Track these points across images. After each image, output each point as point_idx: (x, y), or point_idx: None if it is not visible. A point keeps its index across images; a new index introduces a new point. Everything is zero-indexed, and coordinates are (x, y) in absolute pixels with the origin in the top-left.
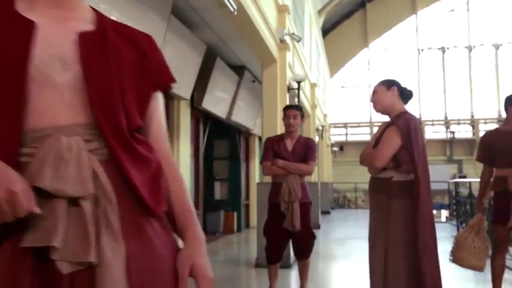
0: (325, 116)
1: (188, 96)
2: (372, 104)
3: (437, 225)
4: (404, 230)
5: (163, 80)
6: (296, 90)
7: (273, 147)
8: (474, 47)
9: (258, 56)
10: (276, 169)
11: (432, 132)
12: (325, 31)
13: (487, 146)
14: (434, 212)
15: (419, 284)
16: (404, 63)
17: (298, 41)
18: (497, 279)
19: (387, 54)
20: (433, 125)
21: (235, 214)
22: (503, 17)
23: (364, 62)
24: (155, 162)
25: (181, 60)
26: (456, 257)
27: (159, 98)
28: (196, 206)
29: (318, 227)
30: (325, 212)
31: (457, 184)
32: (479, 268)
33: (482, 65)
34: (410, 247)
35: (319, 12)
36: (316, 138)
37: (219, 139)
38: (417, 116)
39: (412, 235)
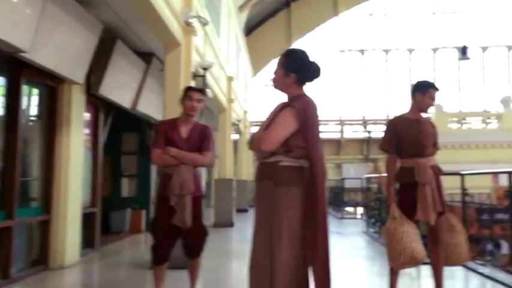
0: (245, 112)
1: (81, 80)
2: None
3: (351, 222)
4: (289, 221)
5: None
6: (203, 78)
7: (165, 133)
8: (390, 50)
9: (160, 39)
10: (167, 158)
11: (351, 132)
12: (250, 29)
13: (393, 134)
14: (351, 209)
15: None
16: (326, 63)
17: (205, 25)
18: (394, 275)
19: (310, 54)
20: (351, 124)
21: (144, 212)
22: (416, 23)
23: None
24: None
25: (69, 38)
26: (393, 256)
27: None
28: (94, 204)
29: (232, 225)
30: (243, 210)
31: (369, 180)
32: (417, 255)
33: (397, 68)
34: (296, 241)
35: (241, 7)
36: (236, 135)
37: (128, 132)
38: (337, 116)
39: (298, 228)
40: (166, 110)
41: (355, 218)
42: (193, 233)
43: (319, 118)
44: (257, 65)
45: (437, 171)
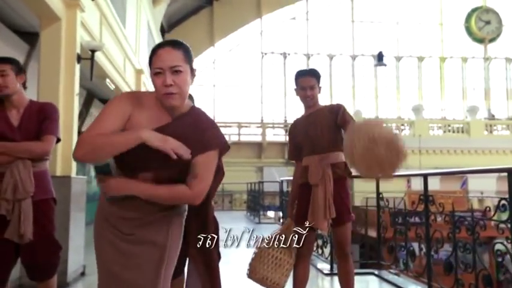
0: None
1: None
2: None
3: (268, 227)
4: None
5: None
6: (91, 61)
7: None
8: (312, 55)
9: (33, 10)
10: None
11: (272, 135)
12: (171, 26)
13: (291, 140)
14: (272, 213)
15: None
16: (248, 65)
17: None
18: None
19: (232, 55)
20: (273, 127)
21: None
22: (336, 30)
23: (210, 60)
24: None
25: None
26: (250, 269)
27: None
28: None
29: None
30: None
31: (288, 184)
32: (274, 285)
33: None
34: None
35: (155, 1)
36: None
37: None
38: (259, 119)
39: None
40: (41, 98)
41: (273, 223)
42: (38, 248)
43: None
44: None
45: (341, 172)
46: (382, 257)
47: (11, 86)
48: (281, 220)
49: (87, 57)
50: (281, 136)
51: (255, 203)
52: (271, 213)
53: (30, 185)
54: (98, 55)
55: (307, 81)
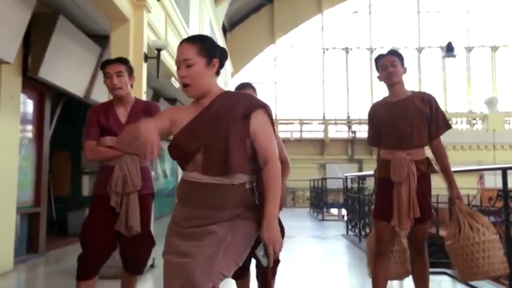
0: None
1: (10, 59)
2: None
3: (332, 224)
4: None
5: None
6: (157, 60)
7: (98, 121)
8: (375, 49)
9: (104, 13)
10: (103, 150)
11: (335, 132)
12: (232, 25)
13: (374, 122)
14: (336, 211)
15: None
16: (310, 61)
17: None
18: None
19: (293, 51)
20: (336, 124)
21: None
22: (401, 22)
23: (271, 58)
24: None
25: None
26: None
27: None
28: (38, 203)
29: None
30: None
31: (352, 181)
32: (403, 275)
33: None
34: None
35: (217, 0)
36: None
37: None
38: (321, 116)
39: None
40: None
41: (337, 220)
42: (138, 242)
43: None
44: (240, 61)
45: (424, 169)
46: None
47: (124, 87)
48: (345, 217)
49: (154, 56)
50: (344, 132)
51: (318, 200)
52: (334, 211)
53: (138, 180)
54: (164, 54)
55: (386, 59)
